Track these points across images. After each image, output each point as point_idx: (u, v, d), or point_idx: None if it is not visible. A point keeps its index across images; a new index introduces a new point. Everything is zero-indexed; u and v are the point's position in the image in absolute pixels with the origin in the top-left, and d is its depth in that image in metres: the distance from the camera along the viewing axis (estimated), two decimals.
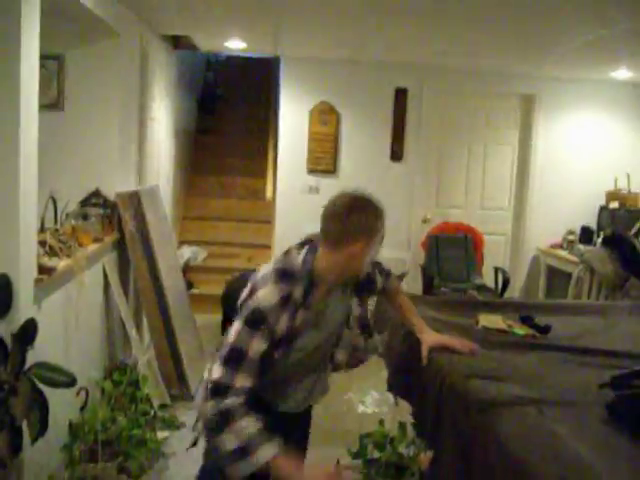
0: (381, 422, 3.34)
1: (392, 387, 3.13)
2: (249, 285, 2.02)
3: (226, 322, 5.51)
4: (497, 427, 1.84)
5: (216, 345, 4.73)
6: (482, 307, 3.40)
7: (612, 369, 2.34)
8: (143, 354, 3.97)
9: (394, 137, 6.42)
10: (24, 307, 2.61)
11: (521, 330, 2.84)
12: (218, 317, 5.94)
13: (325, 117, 6.30)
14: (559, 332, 2.86)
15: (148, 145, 4.95)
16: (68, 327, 3.27)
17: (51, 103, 4.08)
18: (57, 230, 3.25)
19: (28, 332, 2.48)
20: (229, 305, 5.57)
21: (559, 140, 6.60)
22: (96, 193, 4.19)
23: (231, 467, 1.82)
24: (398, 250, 6.48)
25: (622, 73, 5.98)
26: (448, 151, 6.63)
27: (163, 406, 3.78)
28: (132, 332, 3.87)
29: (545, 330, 2.83)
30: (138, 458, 3.19)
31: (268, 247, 7.02)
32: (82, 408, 3.17)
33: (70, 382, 2.37)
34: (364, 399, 4.59)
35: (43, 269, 2.80)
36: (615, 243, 4.74)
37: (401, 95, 6.37)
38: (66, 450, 3.05)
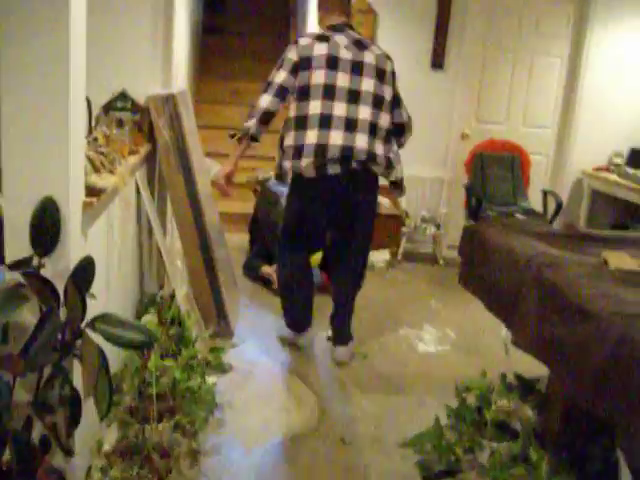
0: (484, 374, 2.86)
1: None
2: None
3: (252, 242, 4.88)
4: None
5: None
6: (598, 241, 2.91)
7: None
8: (181, 287, 3.41)
9: (436, 43, 5.74)
10: (73, 239, 2.02)
11: None
12: (239, 237, 5.42)
13: (361, 17, 5.58)
14: None
15: (173, 43, 4.24)
16: (109, 259, 2.69)
17: None
18: (96, 140, 2.61)
19: (86, 274, 1.91)
20: (256, 227, 4.98)
21: (614, 54, 5.95)
22: (123, 95, 3.53)
23: None
24: (436, 168, 5.91)
25: None
26: (492, 60, 5.96)
27: (214, 350, 3.25)
28: (176, 262, 3.30)
29: None
30: (199, 414, 2.69)
31: None
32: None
33: (148, 342, 1.81)
34: (421, 335, 4.13)
35: (92, 190, 2.20)
36: None
37: None
38: (114, 409, 2.53)
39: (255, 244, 5.11)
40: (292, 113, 3.14)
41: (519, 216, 5.30)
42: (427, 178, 5.79)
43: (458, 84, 5.87)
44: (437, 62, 5.77)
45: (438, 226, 5.59)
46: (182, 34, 4.96)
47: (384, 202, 5.59)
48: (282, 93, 3.14)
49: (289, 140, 3.14)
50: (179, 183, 3.56)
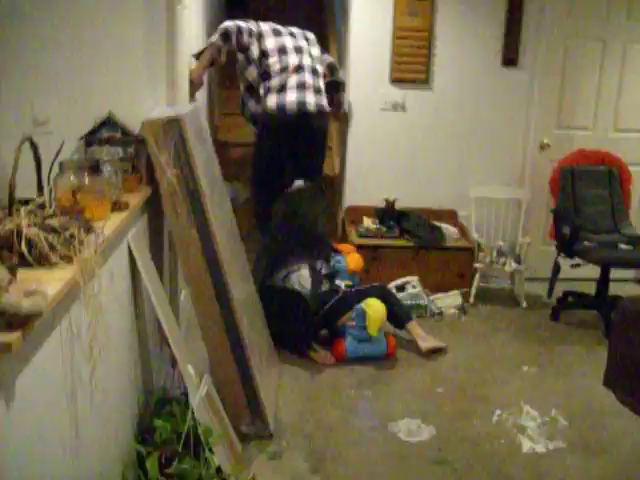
0: None
1: None
2: None
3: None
4: None
5: None
6: None
7: None
8: (197, 389, 2.40)
9: (507, 34, 4.68)
10: None
11: None
12: None
13: (415, 6, 4.55)
14: None
15: (180, 44, 3.26)
16: (75, 392, 1.70)
17: None
18: (42, 206, 1.62)
19: None
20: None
21: None
22: (108, 121, 2.54)
23: None
24: (511, 187, 4.84)
25: None
26: (575, 53, 4.87)
27: None
28: (186, 366, 2.29)
29: None
30: None
31: (330, 181, 5.36)
32: None
33: None
34: (521, 423, 3.07)
35: (11, 318, 1.20)
36: None
37: None
38: None
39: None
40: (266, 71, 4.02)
41: (624, 246, 4.22)
42: (502, 200, 4.72)
43: (535, 83, 4.80)
44: (509, 57, 4.72)
45: (519, 260, 4.51)
46: (194, 35, 3.98)
47: (452, 232, 4.55)
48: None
49: (273, 82, 4.00)
50: (191, 240, 2.56)
